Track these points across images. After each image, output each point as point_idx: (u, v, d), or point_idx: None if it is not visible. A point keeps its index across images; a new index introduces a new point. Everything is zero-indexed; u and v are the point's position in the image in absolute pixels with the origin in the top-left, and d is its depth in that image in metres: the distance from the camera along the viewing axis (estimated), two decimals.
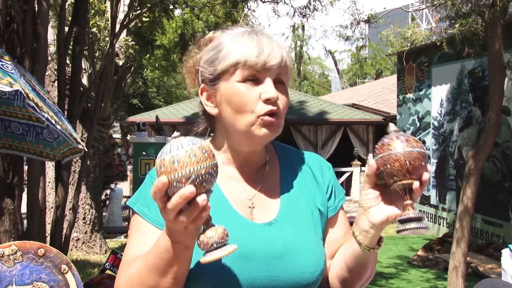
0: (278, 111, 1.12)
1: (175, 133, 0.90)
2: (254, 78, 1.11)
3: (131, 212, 1.19)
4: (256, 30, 1.15)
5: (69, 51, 5.65)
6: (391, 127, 1.04)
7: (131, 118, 15.54)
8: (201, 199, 0.86)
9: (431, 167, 1.07)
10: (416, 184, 1.00)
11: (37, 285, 1.97)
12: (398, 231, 1.02)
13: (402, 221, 1.01)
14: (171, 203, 0.86)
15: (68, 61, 6.03)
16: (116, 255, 2.95)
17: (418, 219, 1.00)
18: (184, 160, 0.85)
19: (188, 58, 1.23)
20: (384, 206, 1.06)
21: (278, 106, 1.12)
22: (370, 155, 14.65)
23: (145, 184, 1.17)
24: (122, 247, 7.92)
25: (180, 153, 0.85)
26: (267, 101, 1.10)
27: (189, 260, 0.99)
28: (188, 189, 0.85)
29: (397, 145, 1.00)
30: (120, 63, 8.26)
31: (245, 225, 1.12)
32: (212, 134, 1.26)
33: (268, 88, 1.10)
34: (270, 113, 1.11)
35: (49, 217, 6.21)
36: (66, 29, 5.16)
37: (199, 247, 0.91)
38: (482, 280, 1.87)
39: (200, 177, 0.86)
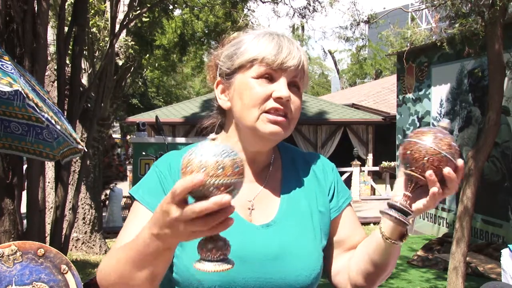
0: (288, 112, 1.11)
1: (213, 135, 0.85)
2: (269, 76, 1.10)
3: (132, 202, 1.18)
4: (278, 32, 1.16)
5: (69, 51, 5.65)
6: (442, 122, 1.00)
7: (131, 118, 15.56)
8: (230, 211, 0.81)
9: (448, 171, 1.01)
10: (422, 181, 0.97)
11: (36, 285, 1.97)
12: (380, 211, 1.01)
13: (389, 205, 1.00)
14: (201, 206, 0.78)
15: (68, 61, 6.03)
16: None
17: (404, 212, 0.98)
18: (230, 168, 0.80)
19: (211, 55, 1.24)
20: (412, 198, 1.02)
21: (289, 107, 1.11)
22: (370, 155, 14.66)
23: (149, 174, 1.16)
24: None
25: (226, 160, 0.80)
26: (277, 99, 1.09)
27: (169, 260, 0.95)
28: (226, 197, 0.78)
29: (428, 138, 0.96)
30: (120, 63, 8.26)
31: (242, 227, 1.11)
32: (214, 134, 1.26)
33: (281, 87, 1.09)
34: (276, 111, 1.10)
35: (49, 217, 6.21)
36: (66, 29, 5.16)
37: (197, 251, 0.86)
38: (487, 283, 1.88)
39: (236, 190, 0.82)
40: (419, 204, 1.01)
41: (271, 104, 1.09)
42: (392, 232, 1.05)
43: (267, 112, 1.10)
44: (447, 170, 0.95)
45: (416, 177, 0.98)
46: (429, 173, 0.95)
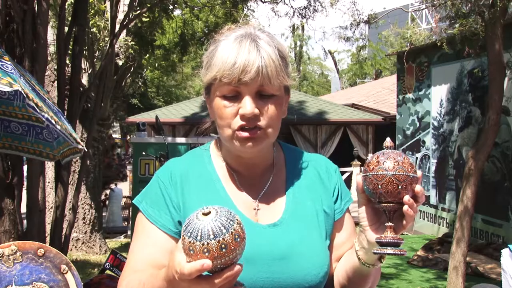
0: (258, 124, 1.09)
1: (205, 208, 0.88)
2: (236, 92, 1.08)
3: (131, 212, 1.20)
4: (247, 34, 1.10)
5: (69, 51, 5.65)
6: (387, 142, 1.02)
7: (131, 118, 15.53)
8: (239, 271, 0.88)
9: (420, 189, 1.01)
10: (396, 207, 0.98)
11: (36, 285, 1.97)
12: (374, 253, 1.01)
13: (381, 244, 1.00)
14: (216, 282, 0.86)
15: (68, 61, 6.03)
16: (115, 255, 2.94)
17: (395, 244, 0.99)
18: (232, 243, 0.85)
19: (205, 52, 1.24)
20: (382, 226, 1.04)
21: (259, 119, 1.09)
22: (370, 155, 14.66)
23: (151, 185, 1.18)
24: (122, 247, 7.91)
25: (227, 236, 0.85)
26: (242, 117, 1.08)
27: None
28: (236, 268, 0.86)
29: (389, 165, 0.98)
30: (120, 63, 8.26)
31: (249, 227, 1.11)
32: (211, 134, 1.27)
33: (245, 104, 1.07)
34: (245, 128, 1.08)
35: (48, 217, 6.21)
36: (66, 29, 5.16)
37: None
38: (475, 285, 1.90)
39: (240, 255, 0.88)
40: (400, 228, 1.02)
41: (238, 122, 1.08)
42: (371, 258, 1.08)
43: (237, 129, 1.09)
44: (418, 188, 0.98)
45: (394, 206, 0.99)
46: (408, 198, 0.97)
